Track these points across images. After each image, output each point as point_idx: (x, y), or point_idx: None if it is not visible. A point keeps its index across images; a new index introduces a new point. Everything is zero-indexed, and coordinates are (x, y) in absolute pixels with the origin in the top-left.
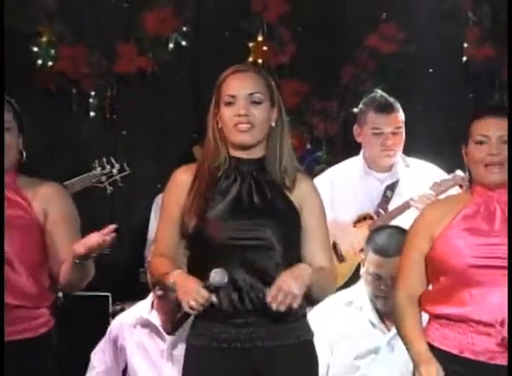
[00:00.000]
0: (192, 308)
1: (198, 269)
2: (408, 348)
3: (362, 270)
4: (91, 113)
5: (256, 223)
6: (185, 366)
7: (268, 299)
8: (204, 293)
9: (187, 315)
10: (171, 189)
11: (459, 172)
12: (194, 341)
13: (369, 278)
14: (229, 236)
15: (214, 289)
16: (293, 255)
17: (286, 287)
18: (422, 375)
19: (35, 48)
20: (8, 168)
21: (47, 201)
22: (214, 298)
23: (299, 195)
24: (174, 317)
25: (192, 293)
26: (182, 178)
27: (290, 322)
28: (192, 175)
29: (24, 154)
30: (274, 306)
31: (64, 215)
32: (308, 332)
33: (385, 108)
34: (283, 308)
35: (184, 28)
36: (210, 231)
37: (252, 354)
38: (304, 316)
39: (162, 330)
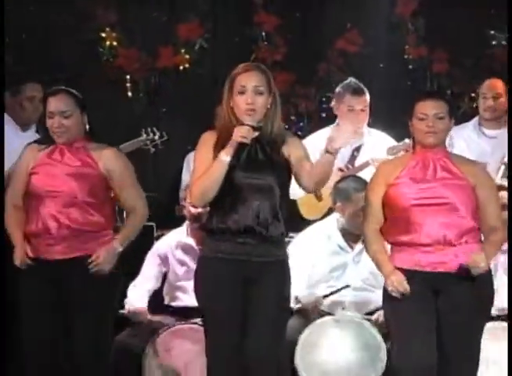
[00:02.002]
0: (243, 137)
1: (224, 205)
2: (378, 268)
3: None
4: (141, 95)
5: (260, 172)
6: (196, 274)
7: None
8: (244, 125)
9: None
10: (202, 145)
11: (406, 140)
12: (205, 253)
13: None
14: (243, 182)
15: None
16: (286, 193)
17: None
18: (393, 281)
19: (101, 49)
20: (76, 138)
21: (109, 161)
22: (254, 124)
23: (288, 146)
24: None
25: (236, 131)
26: (209, 137)
27: (273, 246)
28: (215, 136)
29: (88, 127)
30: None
31: (122, 169)
32: (285, 254)
33: (357, 92)
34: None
35: (206, 35)
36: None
37: (246, 265)
38: (283, 242)
39: (196, 249)
